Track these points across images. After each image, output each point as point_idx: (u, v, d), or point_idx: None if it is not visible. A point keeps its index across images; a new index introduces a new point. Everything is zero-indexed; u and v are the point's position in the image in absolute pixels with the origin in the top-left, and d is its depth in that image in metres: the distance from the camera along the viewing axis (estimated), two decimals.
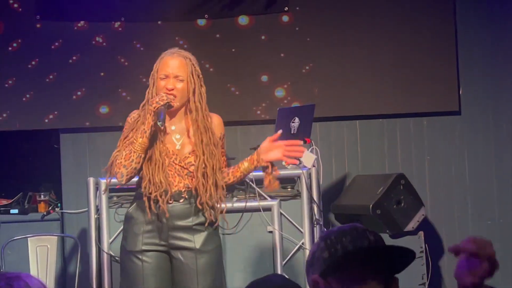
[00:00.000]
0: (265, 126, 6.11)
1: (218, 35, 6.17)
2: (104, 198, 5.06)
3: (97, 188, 5.07)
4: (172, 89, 3.66)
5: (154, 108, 3.58)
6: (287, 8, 6.20)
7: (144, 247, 3.70)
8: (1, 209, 5.72)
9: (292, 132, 5.31)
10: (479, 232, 6.24)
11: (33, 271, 5.56)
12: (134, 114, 3.78)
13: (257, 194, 5.10)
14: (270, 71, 6.20)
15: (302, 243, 5.09)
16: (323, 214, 5.23)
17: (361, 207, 5.59)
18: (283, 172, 5.19)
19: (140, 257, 3.70)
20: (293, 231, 5.10)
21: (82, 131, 6.18)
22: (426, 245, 5.62)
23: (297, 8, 6.21)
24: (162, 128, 3.62)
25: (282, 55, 6.19)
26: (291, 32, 6.21)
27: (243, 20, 6.19)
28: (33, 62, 6.11)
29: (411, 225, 5.61)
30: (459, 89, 6.29)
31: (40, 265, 5.58)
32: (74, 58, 6.12)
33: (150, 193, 3.65)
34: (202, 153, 3.69)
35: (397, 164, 6.26)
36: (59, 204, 5.92)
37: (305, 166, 5.15)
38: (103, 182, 5.00)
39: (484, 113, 6.32)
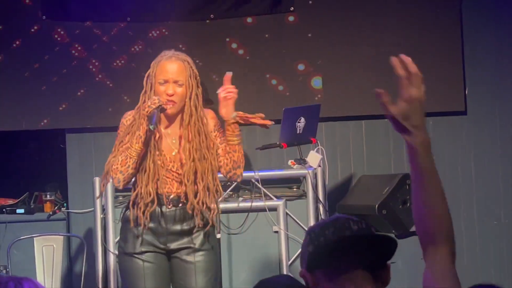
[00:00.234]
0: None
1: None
2: (110, 197, 5.07)
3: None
4: (172, 95, 3.64)
5: (147, 112, 3.56)
6: (292, 8, 6.19)
7: (143, 249, 3.71)
8: (7, 208, 5.73)
9: (298, 132, 5.31)
10: (485, 232, 6.24)
11: (39, 271, 5.57)
12: (129, 116, 3.75)
13: (262, 194, 5.10)
14: (273, 72, 6.21)
15: None
16: (329, 214, 5.22)
17: (367, 207, 5.58)
18: (289, 172, 5.21)
19: (140, 257, 3.72)
20: (299, 231, 5.10)
21: (88, 131, 6.19)
22: None
23: (304, 7, 6.20)
24: (155, 131, 3.61)
25: (283, 51, 6.19)
26: (296, 31, 6.21)
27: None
28: (36, 65, 6.12)
29: None
30: (465, 89, 6.28)
31: (46, 265, 5.59)
32: (80, 57, 6.14)
33: (139, 202, 3.66)
34: (191, 158, 3.67)
35: (402, 164, 6.25)
36: (65, 204, 5.93)
37: (311, 166, 5.14)
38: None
39: (490, 113, 6.31)
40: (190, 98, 3.66)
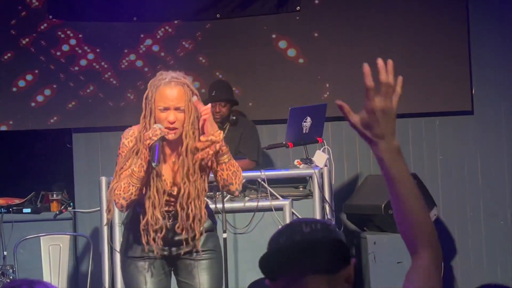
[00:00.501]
0: (276, 126, 6.11)
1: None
2: None
3: (109, 187, 5.07)
4: (174, 122, 3.59)
5: (148, 144, 3.53)
6: (299, 7, 6.19)
7: (144, 254, 3.72)
8: (14, 208, 5.75)
9: (304, 131, 5.30)
10: (492, 232, 6.23)
11: (45, 270, 5.58)
12: (130, 137, 3.69)
13: (269, 194, 5.09)
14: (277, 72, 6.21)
15: None
16: (335, 214, 5.22)
17: (373, 207, 5.58)
18: (295, 172, 5.20)
19: (141, 261, 3.73)
20: None
21: (94, 131, 6.20)
22: None
23: (308, 7, 6.20)
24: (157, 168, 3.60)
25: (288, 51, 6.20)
26: (300, 30, 6.21)
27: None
28: (43, 65, 6.14)
29: None
30: (471, 89, 6.27)
31: (52, 264, 5.60)
32: (86, 57, 6.15)
33: (148, 229, 3.66)
34: (183, 182, 3.64)
35: (409, 164, 6.23)
36: (71, 203, 5.94)
37: (317, 166, 5.14)
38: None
39: (497, 113, 6.29)
40: (189, 123, 3.62)
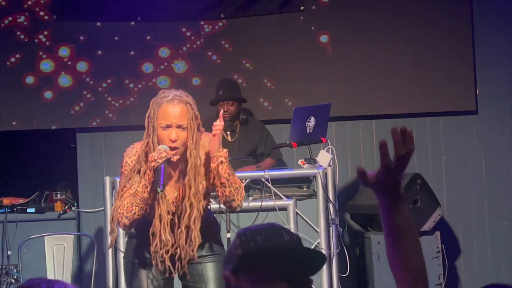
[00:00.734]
0: (280, 125, 6.10)
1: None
2: None
3: (113, 187, 5.08)
4: (176, 140, 3.57)
5: (153, 166, 3.50)
6: (303, 7, 6.19)
7: (148, 261, 3.72)
8: (18, 208, 5.75)
9: (308, 131, 5.30)
10: (496, 232, 6.21)
11: (49, 270, 5.59)
12: (134, 156, 3.65)
13: (272, 194, 5.09)
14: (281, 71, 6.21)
15: (318, 243, 5.08)
16: (339, 214, 5.22)
17: (377, 207, 5.53)
18: (299, 172, 5.20)
19: (145, 266, 3.73)
20: (309, 231, 5.09)
21: (98, 130, 6.20)
22: (443, 245, 5.60)
23: (313, 7, 6.20)
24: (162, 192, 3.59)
25: (290, 50, 6.20)
26: (305, 31, 6.21)
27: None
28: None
29: (428, 225, 5.59)
30: (476, 89, 6.26)
31: (56, 264, 5.60)
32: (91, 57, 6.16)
33: (157, 251, 3.66)
34: (191, 200, 3.62)
35: (413, 164, 6.23)
36: (75, 203, 5.94)
37: (321, 166, 5.13)
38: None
39: (501, 113, 6.28)
40: (192, 141, 3.59)
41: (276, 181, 5.15)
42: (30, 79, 6.12)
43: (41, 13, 6.13)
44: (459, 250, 6.20)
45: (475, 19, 6.25)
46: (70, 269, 5.63)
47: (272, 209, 5.07)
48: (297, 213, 5.11)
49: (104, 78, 6.16)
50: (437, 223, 5.62)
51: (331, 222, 5.10)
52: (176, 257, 3.68)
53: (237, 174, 5.06)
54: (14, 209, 5.74)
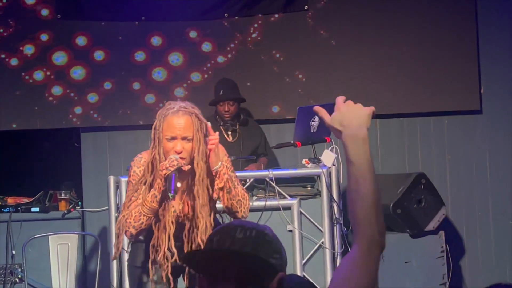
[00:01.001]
0: (284, 125, 6.10)
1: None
2: (124, 196, 5.07)
3: (117, 186, 5.08)
4: (181, 152, 3.55)
5: (165, 174, 3.49)
6: (307, 6, 6.19)
7: (152, 265, 3.73)
8: (22, 207, 5.76)
9: (312, 130, 5.30)
10: (501, 231, 6.21)
11: (54, 269, 5.59)
12: (142, 167, 3.64)
13: (276, 193, 5.09)
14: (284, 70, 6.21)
15: (322, 242, 5.08)
16: (343, 213, 5.21)
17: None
18: (303, 171, 5.20)
19: (149, 270, 3.73)
20: (313, 230, 5.09)
21: (102, 130, 6.21)
22: (447, 244, 5.59)
23: (317, 6, 6.20)
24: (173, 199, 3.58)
25: (299, 48, 6.20)
26: (310, 30, 6.21)
27: None
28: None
29: (432, 225, 5.58)
30: (480, 88, 6.26)
31: (60, 263, 5.61)
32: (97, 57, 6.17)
33: (160, 263, 3.66)
34: (199, 213, 3.61)
35: (417, 163, 6.23)
36: (79, 202, 5.95)
37: (325, 165, 5.13)
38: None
39: (506, 112, 6.27)
40: (198, 153, 3.57)
41: (280, 181, 5.14)
42: (33, 79, 6.13)
43: (44, 13, 6.14)
44: (463, 250, 6.19)
45: (479, 18, 6.25)
46: (74, 268, 5.64)
47: (276, 208, 5.07)
48: (301, 212, 5.11)
49: (106, 79, 6.17)
50: (442, 223, 5.61)
51: (335, 222, 5.09)
52: (187, 271, 3.69)
53: (241, 174, 5.09)
54: (19, 208, 5.75)
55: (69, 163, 6.30)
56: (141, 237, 3.79)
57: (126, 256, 4.95)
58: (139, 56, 6.17)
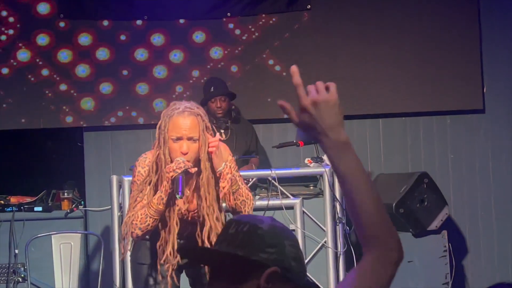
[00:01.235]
0: (287, 125, 6.10)
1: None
2: (127, 196, 5.07)
3: (120, 186, 5.09)
4: (187, 152, 3.55)
5: (172, 176, 3.49)
6: (309, 6, 6.19)
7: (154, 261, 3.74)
8: (25, 206, 5.76)
9: None
10: (503, 231, 6.20)
11: (56, 269, 5.60)
12: (146, 167, 3.63)
13: (279, 193, 5.09)
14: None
15: (325, 242, 5.08)
16: (346, 213, 5.21)
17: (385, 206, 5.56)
18: (306, 170, 5.20)
19: (151, 267, 3.74)
20: (316, 230, 5.09)
21: (105, 129, 6.21)
22: (450, 244, 5.59)
23: (319, 5, 6.20)
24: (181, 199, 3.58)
25: (300, 47, 6.19)
26: (313, 29, 6.21)
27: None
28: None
29: (435, 224, 5.58)
30: (483, 87, 6.25)
31: (63, 263, 5.61)
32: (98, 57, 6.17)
33: (162, 261, 3.67)
34: (205, 214, 3.62)
35: (420, 162, 6.23)
36: (82, 202, 5.95)
37: (327, 164, 5.13)
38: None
39: (509, 111, 6.27)
40: (204, 153, 3.57)
41: (282, 180, 5.15)
42: (36, 79, 6.14)
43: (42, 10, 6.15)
44: (466, 249, 6.19)
45: (482, 17, 6.24)
46: (77, 267, 5.64)
47: (279, 208, 5.07)
48: (303, 212, 5.11)
49: (108, 78, 6.17)
50: (444, 222, 5.61)
51: (338, 221, 5.10)
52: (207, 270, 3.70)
53: (244, 173, 5.09)
54: (22, 207, 5.75)
55: (72, 162, 6.31)
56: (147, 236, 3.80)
57: (129, 255, 4.95)
58: (142, 55, 6.18)
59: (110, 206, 5.22)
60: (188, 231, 3.70)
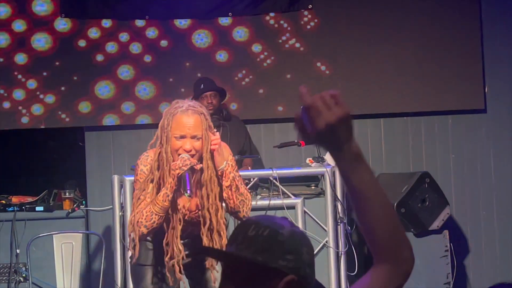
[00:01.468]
0: (288, 124, 6.10)
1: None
2: (128, 195, 5.07)
3: (121, 185, 5.09)
4: (190, 150, 3.56)
5: (178, 174, 3.50)
6: (311, 5, 6.19)
7: (155, 262, 3.73)
8: (27, 206, 5.77)
9: None
10: (505, 231, 6.20)
11: (58, 268, 5.60)
12: (148, 165, 3.64)
13: (280, 192, 5.09)
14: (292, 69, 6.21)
15: (326, 242, 5.07)
16: (347, 213, 5.21)
17: None
18: (307, 170, 5.20)
19: (151, 268, 3.74)
20: (317, 230, 5.09)
21: (106, 129, 6.21)
22: (451, 244, 5.58)
23: (320, 5, 6.19)
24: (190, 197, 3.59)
25: (302, 49, 6.19)
26: (314, 29, 6.20)
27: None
28: (57, 63, 6.16)
29: (436, 224, 5.57)
30: (484, 87, 6.25)
31: (65, 262, 5.61)
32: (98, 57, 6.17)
33: (169, 259, 3.67)
34: (207, 212, 3.62)
35: (421, 162, 6.23)
36: (84, 202, 5.95)
37: (329, 164, 5.13)
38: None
39: (510, 111, 6.26)
40: (207, 151, 3.58)
41: (284, 180, 5.14)
42: (38, 79, 6.15)
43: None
44: (467, 249, 6.19)
45: (483, 16, 6.24)
46: (78, 267, 5.64)
47: (280, 207, 5.07)
48: (305, 211, 5.11)
49: (109, 78, 6.18)
50: (446, 222, 5.61)
51: (339, 221, 5.09)
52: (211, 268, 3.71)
53: (245, 173, 5.09)
54: (23, 207, 5.76)
55: (73, 162, 6.31)
56: (148, 237, 3.80)
57: (129, 255, 4.95)
58: (147, 58, 6.18)
59: (111, 206, 5.22)
60: (188, 230, 3.70)
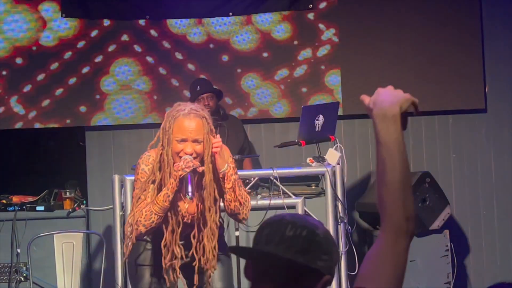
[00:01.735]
0: (289, 124, 6.11)
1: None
2: (129, 195, 5.07)
3: (122, 185, 5.09)
4: (191, 154, 3.56)
5: (180, 175, 3.50)
6: (311, 5, 6.19)
7: (153, 263, 3.73)
8: (27, 206, 5.77)
9: (317, 129, 5.30)
10: (505, 231, 6.20)
11: (58, 268, 5.60)
12: (150, 165, 3.64)
13: (281, 192, 5.09)
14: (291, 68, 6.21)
15: None
16: (348, 212, 5.21)
17: None
18: (307, 170, 5.20)
19: (150, 268, 3.74)
20: None
21: (107, 128, 6.21)
22: (451, 243, 5.59)
23: (321, 4, 6.20)
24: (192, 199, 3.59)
25: (298, 45, 6.19)
26: (315, 29, 6.20)
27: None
28: (56, 63, 6.17)
29: (437, 224, 5.58)
30: (485, 87, 6.25)
31: (65, 262, 5.62)
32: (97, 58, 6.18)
33: (167, 261, 3.68)
34: (206, 214, 3.63)
35: (422, 162, 6.23)
36: (84, 201, 5.96)
37: (329, 164, 5.13)
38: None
39: (511, 111, 6.26)
40: (208, 155, 3.58)
41: (284, 179, 5.14)
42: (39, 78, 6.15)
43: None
44: (468, 249, 6.19)
45: (484, 16, 6.24)
46: (79, 267, 5.65)
47: (281, 207, 5.06)
48: (305, 211, 5.11)
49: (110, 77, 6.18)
50: (446, 222, 5.61)
51: (339, 221, 5.09)
52: (196, 270, 3.70)
53: (246, 173, 5.10)
54: (24, 207, 5.76)
55: (74, 162, 6.31)
56: (146, 238, 3.80)
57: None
58: (149, 57, 6.19)
59: (112, 206, 5.22)
60: (186, 232, 3.70)
